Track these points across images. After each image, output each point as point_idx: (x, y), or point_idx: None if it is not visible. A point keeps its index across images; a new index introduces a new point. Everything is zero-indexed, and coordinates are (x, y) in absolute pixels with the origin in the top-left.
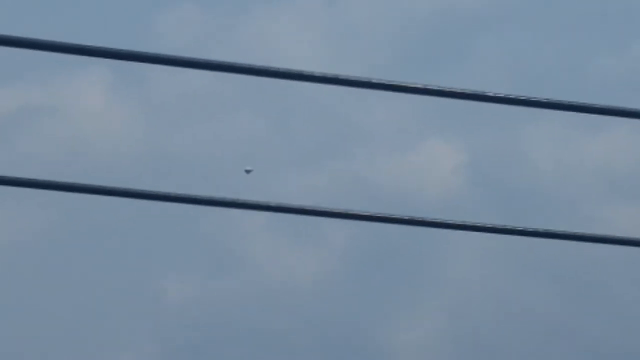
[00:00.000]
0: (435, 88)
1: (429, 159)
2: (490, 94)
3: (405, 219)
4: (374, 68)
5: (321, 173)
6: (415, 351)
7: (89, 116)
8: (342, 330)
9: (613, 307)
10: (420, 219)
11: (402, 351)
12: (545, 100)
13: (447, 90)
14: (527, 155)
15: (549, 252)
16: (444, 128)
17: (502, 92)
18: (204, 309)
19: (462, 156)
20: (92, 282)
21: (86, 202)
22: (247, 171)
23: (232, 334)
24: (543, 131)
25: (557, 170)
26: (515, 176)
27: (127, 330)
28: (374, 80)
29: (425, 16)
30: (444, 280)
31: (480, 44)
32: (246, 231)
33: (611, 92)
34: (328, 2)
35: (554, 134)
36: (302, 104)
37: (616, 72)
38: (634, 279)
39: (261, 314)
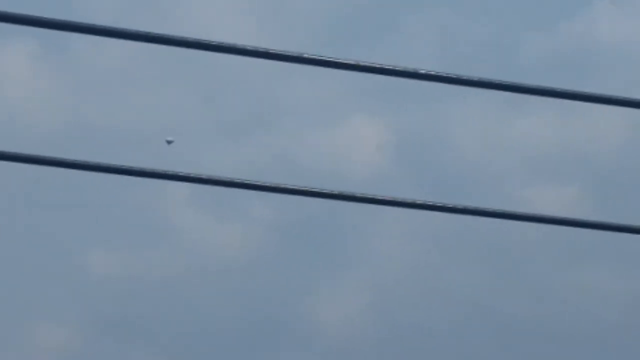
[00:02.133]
0: (366, 64)
1: (354, 136)
2: (420, 71)
3: (331, 194)
4: (301, 43)
5: (246, 146)
6: (340, 326)
7: (14, 85)
8: (267, 305)
9: (533, 285)
10: (347, 194)
11: (326, 327)
12: (471, 79)
13: (377, 66)
14: (452, 134)
15: (473, 230)
16: (371, 105)
17: (431, 69)
18: (127, 282)
19: (387, 134)
20: (15, 254)
21: (11, 171)
22: (169, 142)
23: (155, 307)
24: (469, 110)
25: (482, 149)
26: (441, 155)
27: (49, 303)
28: (304, 55)
29: None
30: (369, 256)
31: (410, 21)
32: (170, 204)
33: (539, 71)
34: None
35: (480, 113)
36: (230, 78)
37: (544, 50)
38: (554, 257)
39: (185, 287)
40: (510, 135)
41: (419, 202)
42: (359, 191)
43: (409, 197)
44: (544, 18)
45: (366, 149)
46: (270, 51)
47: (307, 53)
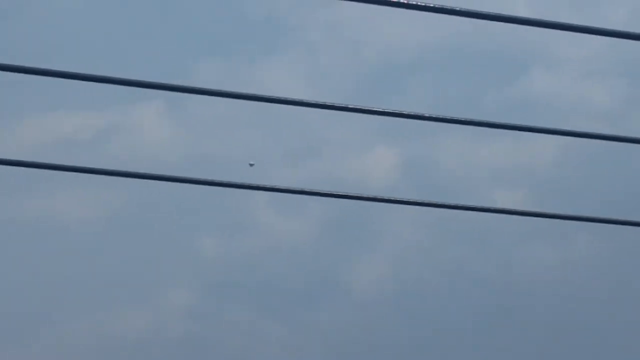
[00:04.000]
0: (387, 110)
1: (376, 161)
2: (421, 114)
3: (362, 196)
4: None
5: (302, 169)
6: (367, 287)
7: (148, 133)
8: (317, 272)
9: (502, 257)
10: (371, 196)
11: (359, 286)
12: (456, 118)
13: (396, 112)
14: (442, 157)
15: (459, 219)
16: (387, 139)
17: (431, 113)
18: (227, 258)
19: (398, 158)
20: (148, 248)
21: (143, 188)
22: (251, 165)
23: (245, 275)
24: (453, 141)
25: (462, 167)
26: (434, 172)
27: (176, 273)
28: (341, 105)
29: (373, 60)
30: (388, 239)
31: (408, 86)
32: (255, 206)
33: (496, 115)
34: (309, 52)
35: (459, 142)
36: (289, 121)
37: (498, 102)
38: (519, 234)
39: (264, 261)
40: (480, 157)
41: (419, 201)
42: (379, 195)
43: (413, 198)
44: (498, 79)
45: (384, 169)
46: (319, 103)
47: (343, 103)
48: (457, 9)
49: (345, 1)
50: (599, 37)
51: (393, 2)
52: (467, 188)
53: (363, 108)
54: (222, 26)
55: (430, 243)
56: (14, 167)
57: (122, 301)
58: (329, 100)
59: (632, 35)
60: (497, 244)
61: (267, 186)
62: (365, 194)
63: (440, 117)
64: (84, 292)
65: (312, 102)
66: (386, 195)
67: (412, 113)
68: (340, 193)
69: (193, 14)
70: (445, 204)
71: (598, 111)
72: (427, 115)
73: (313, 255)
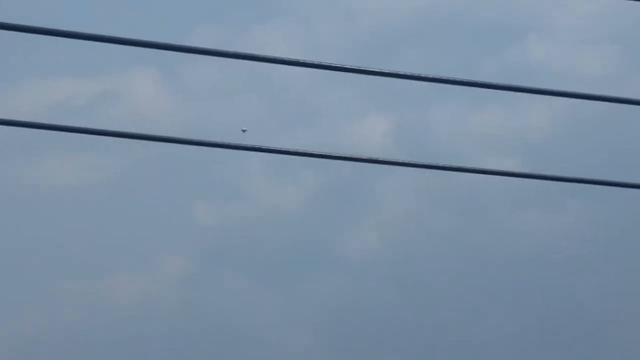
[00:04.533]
0: (383, 71)
1: (369, 127)
2: (417, 74)
3: (354, 157)
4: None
5: (298, 135)
6: (358, 252)
7: (143, 99)
8: (310, 238)
9: (499, 226)
10: (365, 157)
11: (350, 252)
12: (454, 79)
13: (392, 72)
14: (434, 124)
15: (448, 186)
16: (379, 106)
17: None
18: (220, 225)
19: (390, 125)
20: (144, 214)
21: (138, 157)
22: (243, 130)
23: (238, 241)
24: (445, 108)
25: (454, 134)
26: (426, 138)
27: (169, 240)
28: (337, 65)
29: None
30: (380, 209)
31: (403, 55)
32: (248, 173)
33: (494, 79)
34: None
35: (451, 110)
36: (286, 87)
37: (497, 67)
38: (512, 202)
39: (258, 228)
40: (473, 124)
41: (411, 162)
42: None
43: (404, 159)
44: (494, 47)
45: (377, 135)
46: (315, 62)
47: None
48: None
49: None
50: (592, 5)
51: None
52: (460, 155)
53: (358, 68)
54: None
55: (420, 210)
56: (12, 127)
57: (119, 267)
58: (321, 68)
59: None
60: (487, 212)
61: (260, 147)
62: (358, 155)
63: (437, 77)
64: (80, 259)
65: (308, 62)
66: (381, 158)
67: (408, 73)
68: (335, 154)
69: None
70: (435, 165)
71: (591, 78)
72: (423, 75)
73: (306, 222)
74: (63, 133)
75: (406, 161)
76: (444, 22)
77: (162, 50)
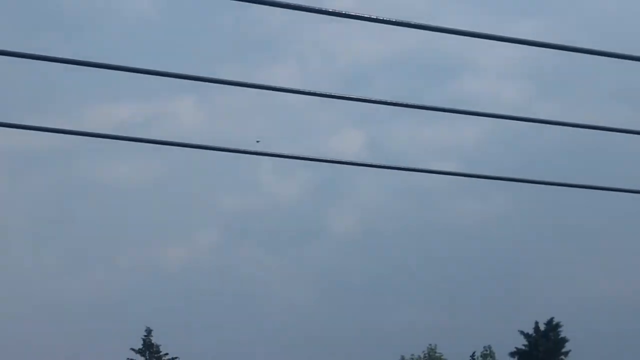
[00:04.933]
0: (360, 97)
1: (347, 139)
2: (384, 100)
3: (337, 160)
4: None
5: (296, 145)
6: (342, 228)
7: (184, 119)
8: (304, 217)
9: (442, 211)
10: (344, 161)
11: (336, 231)
12: (406, 103)
13: (366, 99)
14: (397, 137)
15: (410, 183)
16: (355, 124)
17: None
18: (240, 210)
19: (364, 137)
20: (185, 202)
21: (180, 161)
22: (257, 142)
23: (255, 225)
24: (404, 125)
25: (411, 143)
26: (393, 145)
27: (203, 224)
28: (326, 93)
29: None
30: (358, 199)
31: (371, 86)
32: (260, 173)
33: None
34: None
35: (409, 126)
36: (284, 111)
37: (441, 94)
38: (451, 194)
39: (264, 211)
40: (423, 138)
41: (379, 164)
42: (351, 165)
43: (376, 169)
44: (437, 81)
45: (355, 144)
46: (309, 90)
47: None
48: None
49: (325, 23)
50: (511, 51)
51: (357, 16)
52: (414, 159)
53: (342, 95)
54: (240, 38)
55: (386, 200)
56: (88, 138)
57: (167, 242)
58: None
59: (539, 43)
60: (433, 201)
61: (268, 152)
62: (337, 158)
63: (397, 102)
64: (137, 236)
65: (305, 90)
66: (358, 163)
67: (377, 99)
68: (320, 158)
69: (220, 29)
70: (397, 166)
71: (510, 104)
72: (387, 100)
73: (303, 207)
74: (125, 143)
75: (375, 164)
76: (402, 62)
77: (200, 82)
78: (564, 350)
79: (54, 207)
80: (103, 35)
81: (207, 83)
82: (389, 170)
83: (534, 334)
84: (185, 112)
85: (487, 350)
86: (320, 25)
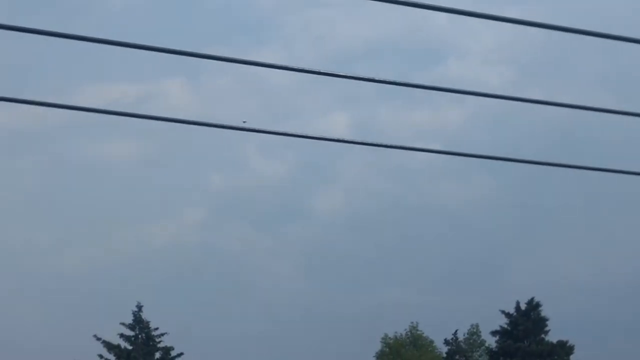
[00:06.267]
0: (348, 75)
1: (334, 121)
2: (374, 78)
3: (327, 138)
4: None
5: (283, 126)
6: (327, 211)
7: (173, 99)
8: (289, 197)
9: (425, 190)
10: (333, 138)
11: (321, 211)
12: (399, 81)
13: (355, 76)
14: (382, 118)
15: (394, 162)
16: (342, 105)
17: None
18: (229, 191)
19: (350, 120)
20: (174, 180)
21: (169, 140)
22: (244, 122)
23: (242, 203)
24: (390, 107)
25: (396, 123)
26: (377, 126)
27: (192, 202)
28: (314, 70)
29: None
30: (343, 179)
31: (360, 69)
32: (247, 153)
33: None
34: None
35: (394, 109)
36: (272, 92)
37: (428, 82)
38: (434, 175)
39: (251, 191)
40: (408, 120)
41: (364, 141)
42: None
43: (360, 148)
44: (423, 65)
45: (340, 125)
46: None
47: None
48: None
49: (312, 7)
50: (493, 36)
51: None
52: (399, 139)
53: (331, 73)
54: (229, 20)
55: (370, 179)
56: (80, 112)
57: (156, 218)
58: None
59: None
60: (417, 180)
61: (254, 129)
62: (327, 135)
63: (383, 79)
64: (127, 213)
65: (293, 67)
66: (343, 140)
67: (368, 77)
68: (310, 135)
69: (210, 14)
70: (383, 144)
71: (491, 89)
72: (375, 78)
73: (289, 186)
74: (115, 119)
75: (359, 140)
76: (388, 46)
77: (188, 62)
78: (546, 329)
79: (45, 186)
80: (93, 20)
81: (195, 65)
82: (374, 150)
83: (515, 314)
84: (173, 93)
85: (474, 329)
86: (307, 10)
